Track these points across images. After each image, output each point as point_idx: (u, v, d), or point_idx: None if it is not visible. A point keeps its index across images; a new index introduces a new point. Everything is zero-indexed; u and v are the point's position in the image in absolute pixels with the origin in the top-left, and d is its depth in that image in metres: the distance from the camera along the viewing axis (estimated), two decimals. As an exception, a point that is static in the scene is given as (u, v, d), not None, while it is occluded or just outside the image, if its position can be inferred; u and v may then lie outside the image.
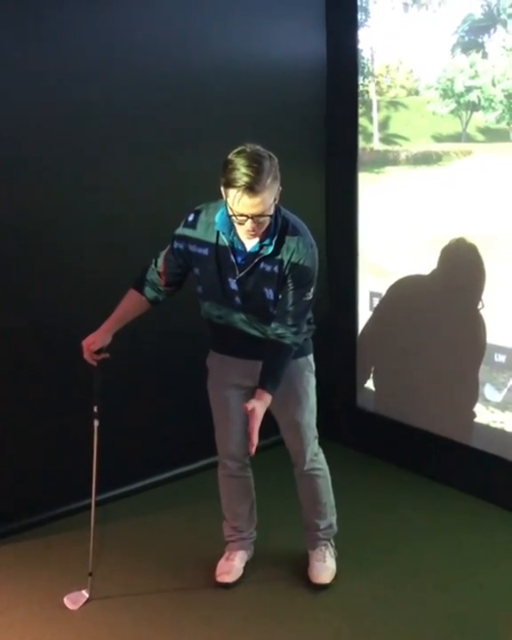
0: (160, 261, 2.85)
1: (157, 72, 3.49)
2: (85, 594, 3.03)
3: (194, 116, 3.63)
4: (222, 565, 3.15)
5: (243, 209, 2.53)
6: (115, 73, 3.39)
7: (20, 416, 3.41)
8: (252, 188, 2.47)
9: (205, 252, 2.75)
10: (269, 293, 2.74)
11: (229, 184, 2.51)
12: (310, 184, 4.06)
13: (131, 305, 2.90)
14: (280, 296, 2.72)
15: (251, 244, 2.70)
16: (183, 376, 3.76)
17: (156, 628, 2.89)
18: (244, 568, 3.17)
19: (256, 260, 2.70)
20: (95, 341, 2.85)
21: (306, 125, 3.96)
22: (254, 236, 2.64)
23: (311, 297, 2.76)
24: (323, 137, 4.09)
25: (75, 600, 3.01)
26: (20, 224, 3.27)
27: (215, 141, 3.58)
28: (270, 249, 2.67)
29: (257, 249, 2.69)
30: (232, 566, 3.14)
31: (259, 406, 2.64)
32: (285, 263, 2.69)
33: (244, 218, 2.55)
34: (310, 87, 4.00)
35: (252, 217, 2.54)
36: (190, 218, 2.78)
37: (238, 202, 2.51)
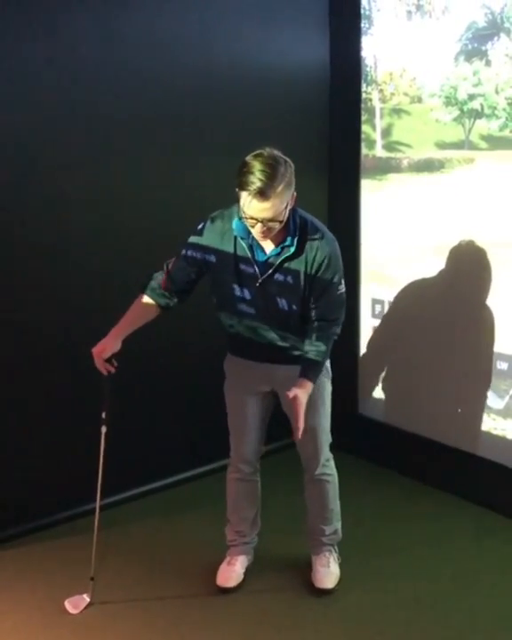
0: (168, 266, 2.85)
1: (158, 78, 3.49)
2: (87, 598, 3.02)
3: (196, 124, 3.63)
4: (223, 570, 3.14)
5: (253, 212, 2.56)
6: (116, 79, 3.39)
7: (24, 420, 3.40)
8: (262, 193, 2.51)
9: (221, 260, 2.76)
10: (295, 296, 2.76)
11: (242, 187, 2.54)
12: (312, 191, 4.05)
13: (140, 310, 2.87)
14: (314, 294, 2.76)
15: (270, 247, 2.73)
16: (186, 381, 3.78)
17: (156, 632, 2.88)
18: (245, 573, 3.16)
19: (279, 262, 2.72)
20: (106, 348, 2.81)
21: (308, 132, 3.97)
22: (265, 238, 2.67)
23: (344, 290, 2.81)
24: (325, 144, 4.10)
25: (76, 604, 3.00)
26: (29, 229, 3.28)
27: (217, 149, 3.64)
28: (292, 249, 2.70)
29: (278, 251, 2.72)
30: (233, 571, 3.13)
31: (301, 394, 2.68)
32: (310, 262, 2.71)
33: (253, 221, 2.59)
34: (313, 94, 4.01)
35: (262, 221, 2.58)
36: (199, 226, 2.79)
37: (249, 205, 2.55)
